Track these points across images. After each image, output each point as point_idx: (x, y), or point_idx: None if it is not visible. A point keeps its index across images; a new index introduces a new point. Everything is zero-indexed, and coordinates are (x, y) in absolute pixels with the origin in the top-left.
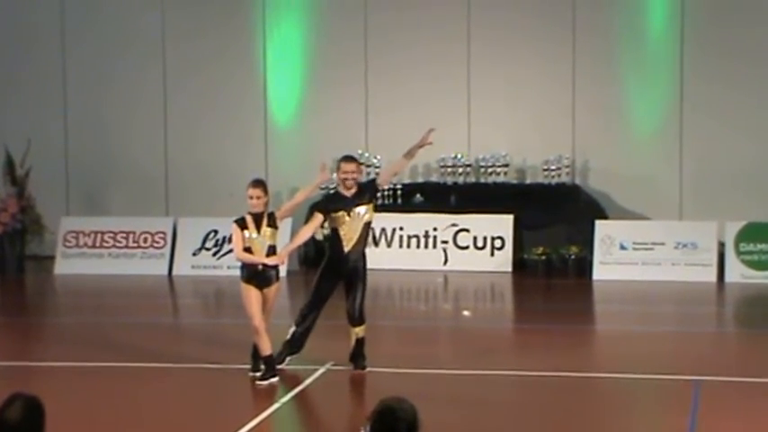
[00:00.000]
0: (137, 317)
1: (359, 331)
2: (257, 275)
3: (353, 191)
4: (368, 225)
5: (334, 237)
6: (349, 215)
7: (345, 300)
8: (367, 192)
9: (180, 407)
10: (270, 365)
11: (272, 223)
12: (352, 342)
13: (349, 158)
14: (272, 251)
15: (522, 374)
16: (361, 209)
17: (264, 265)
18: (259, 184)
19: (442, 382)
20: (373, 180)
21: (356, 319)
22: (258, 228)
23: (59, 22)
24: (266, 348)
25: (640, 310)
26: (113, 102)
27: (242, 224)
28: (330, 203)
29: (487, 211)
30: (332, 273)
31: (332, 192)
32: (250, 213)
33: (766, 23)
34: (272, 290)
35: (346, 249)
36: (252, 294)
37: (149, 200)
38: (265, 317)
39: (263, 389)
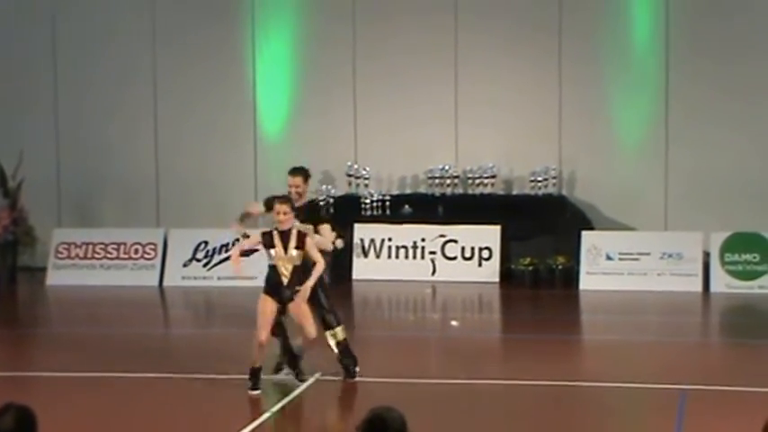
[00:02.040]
0: (128, 328)
1: (338, 332)
2: (279, 292)
3: (301, 204)
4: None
5: None
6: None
7: (314, 310)
8: (314, 212)
9: (169, 417)
10: (255, 377)
11: (300, 245)
12: (334, 347)
13: (294, 170)
14: (296, 272)
15: (509, 384)
16: (307, 225)
17: (281, 283)
18: (288, 199)
19: (430, 392)
20: (326, 212)
21: (332, 321)
22: (285, 247)
23: (51, 37)
24: (258, 360)
25: (626, 319)
26: (104, 114)
27: (269, 240)
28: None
29: (475, 222)
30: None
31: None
32: (277, 230)
33: (752, 29)
34: (297, 304)
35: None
36: (267, 307)
37: (140, 211)
38: (309, 326)
39: (253, 399)
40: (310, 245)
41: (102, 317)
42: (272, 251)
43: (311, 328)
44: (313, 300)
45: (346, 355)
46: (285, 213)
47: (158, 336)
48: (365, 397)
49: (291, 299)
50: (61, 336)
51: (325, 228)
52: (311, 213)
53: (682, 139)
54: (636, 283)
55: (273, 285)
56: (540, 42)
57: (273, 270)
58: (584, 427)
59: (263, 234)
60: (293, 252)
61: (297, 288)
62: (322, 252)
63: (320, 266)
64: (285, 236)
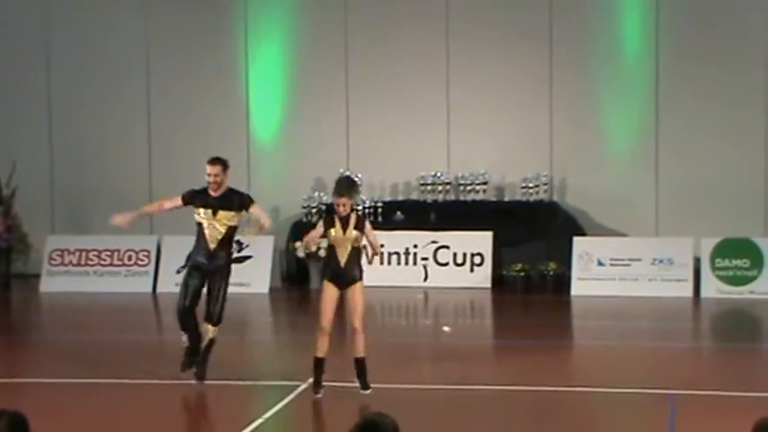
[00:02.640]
0: (121, 334)
1: (214, 331)
2: (338, 275)
3: (220, 193)
4: (232, 229)
5: (199, 231)
6: (215, 215)
7: (207, 299)
8: (236, 200)
9: (163, 423)
10: (317, 369)
11: (359, 226)
12: (204, 342)
13: (213, 160)
14: (353, 254)
15: (501, 389)
16: (227, 213)
17: (340, 266)
18: (345, 192)
19: (422, 397)
20: (248, 196)
21: (216, 318)
22: (344, 228)
23: (45, 44)
24: (321, 350)
25: (618, 325)
26: (98, 122)
27: (329, 222)
28: (195, 196)
29: (467, 229)
30: (197, 268)
31: (200, 188)
32: (338, 216)
33: (741, 38)
34: (354, 290)
35: (211, 247)
36: (328, 294)
37: None
38: (357, 318)
39: (244, 404)
40: (369, 229)
41: (96, 323)
42: (332, 231)
43: (360, 317)
44: (212, 290)
45: (206, 357)
46: (344, 205)
47: (152, 342)
48: (357, 403)
49: (348, 284)
50: (54, 342)
51: (256, 207)
52: (236, 198)
53: (672, 146)
54: (627, 289)
55: (333, 271)
56: (530, 50)
57: (332, 252)
58: None
59: (325, 217)
60: (352, 232)
61: (355, 275)
62: (230, 247)
63: (378, 250)
64: (344, 220)
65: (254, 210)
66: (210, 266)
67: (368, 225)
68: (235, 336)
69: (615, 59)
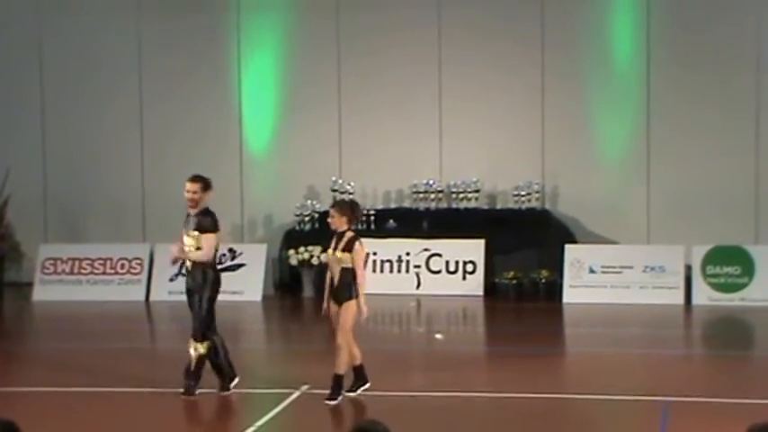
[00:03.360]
0: (114, 342)
1: (202, 347)
2: (334, 293)
3: (197, 212)
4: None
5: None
6: (187, 234)
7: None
8: (204, 221)
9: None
10: (336, 384)
11: (348, 248)
12: (194, 359)
13: (193, 178)
14: (344, 274)
15: (493, 396)
16: (194, 233)
17: (333, 285)
18: (335, 204)
19: (415, 405)
20: (212, 222)
21: (195, 331)
22: (335, 248)
23: (37, 53)
24: (339, 366)
25: (609, 332)
26: (91, 130)
27: (329, 240)
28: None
29: (459, 236)
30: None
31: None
32: (334, 233)
33: (733, 43)
34: (345, 307)
35: (188, 265)
36: (331, 311)
37: (126, 227)
38: (339, 334)
39: (236, 412)
40: (357, 250)
41: (89, 332)
42: (328, 250)
43: (342, 336)
44: (198, 307)
45: (195, 372)
46: (332, 217)
47: (145, 350)
48: (350, 410)
49: (345, 300)
50: (47, 351)
51: (208, 237)
52: (201, 222)
53: (663, 153)
54: (618, 296)
55: (330, 288)
56: (522, 57)
57: (329, 271)
58: None
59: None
60: (339, 254)
61: (346, 294)
62: (205, 264)
63: (361, 278)
64: (337, 239)
65: (204, 236)
66: (189, 284)
67: (357, 246)
68: (227, 343)
69: (607, 66)
